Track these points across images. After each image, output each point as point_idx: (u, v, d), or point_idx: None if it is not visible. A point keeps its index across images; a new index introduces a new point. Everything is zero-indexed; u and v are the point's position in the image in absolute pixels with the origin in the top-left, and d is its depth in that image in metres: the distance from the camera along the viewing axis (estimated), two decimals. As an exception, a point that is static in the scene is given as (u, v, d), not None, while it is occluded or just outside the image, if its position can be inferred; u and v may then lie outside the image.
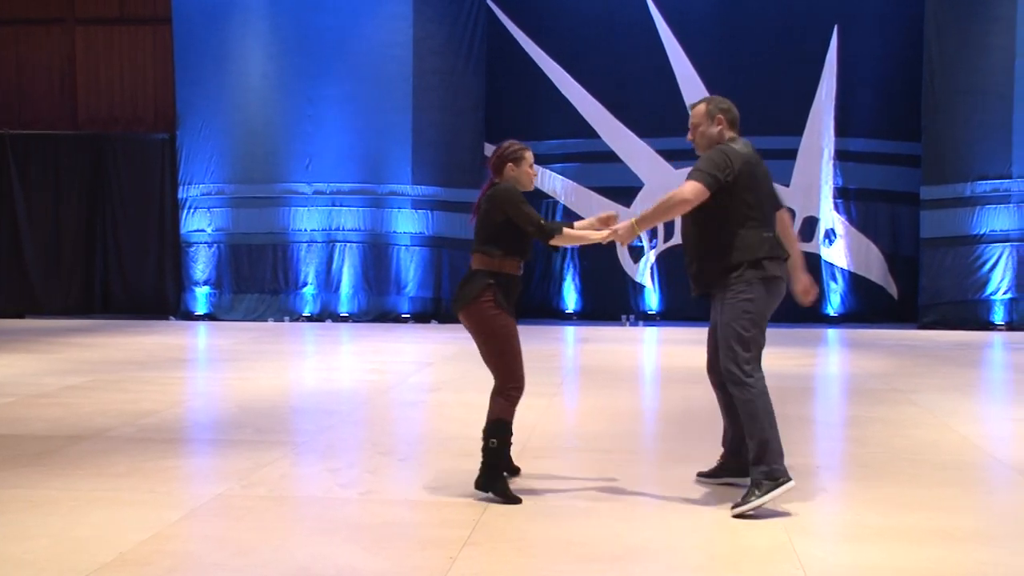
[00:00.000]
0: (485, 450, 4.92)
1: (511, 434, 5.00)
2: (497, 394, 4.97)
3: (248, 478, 5.32)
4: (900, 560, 4.06)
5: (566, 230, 4.96)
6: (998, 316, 13.51)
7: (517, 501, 4.79)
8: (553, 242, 4.92)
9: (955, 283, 13.59)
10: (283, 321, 14.37)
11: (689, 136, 5.14)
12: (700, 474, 5.24)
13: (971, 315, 13.53)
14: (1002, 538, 4.43)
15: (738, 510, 4.57)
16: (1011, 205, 13.44)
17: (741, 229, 4.76)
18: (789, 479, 4.63)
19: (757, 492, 4.58)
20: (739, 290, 4.73)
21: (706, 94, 14.21)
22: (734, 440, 5.06)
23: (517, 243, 4.93)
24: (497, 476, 4.91)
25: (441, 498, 5.00)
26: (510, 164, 5.01)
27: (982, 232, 13.56)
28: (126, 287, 15.37)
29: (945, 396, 8.09)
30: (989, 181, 13.46)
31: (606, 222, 5.07)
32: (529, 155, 5.08)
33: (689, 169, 4.88)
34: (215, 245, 14.69)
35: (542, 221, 4.87)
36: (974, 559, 4.10)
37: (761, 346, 4.81)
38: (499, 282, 4.89)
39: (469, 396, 7.99)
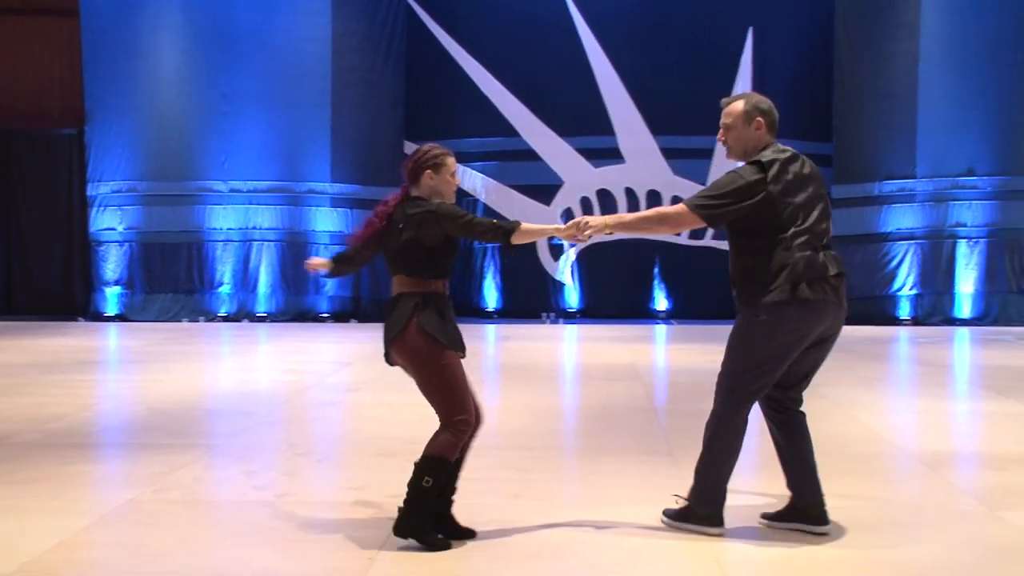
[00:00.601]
0: (412, 488, 4.17)
1: (452, 479, 4.31)
2: (442, 430, 4.28)
3: (160, 482, 5.19)
4: (811, 550, 4.14)
5: (524, 225, 4.45)
6: (904, 311, 13.86)
7: (446, 547, 4.13)
8: (513, 240, 4.38)
9: (864, 280, 13.90)
10: (198, 321, 14.11)
11: (720, 136, 4.61)
12: (764, 516, 4.58)
13: (879, 310, 13.85)
14: (904, 525, 4.54)
15: (666, 519, 4.39)
16: (915, 204, 13.81)
17: (771, 250, 4.20)
18: (721, 527, 4.29)
19: (688, 518, 4.32)
20: (752, 316, 4.24)
21: (625, 93, 14.62)
22: (796, 479, 4.48)
23: (447, 263, 4.44)
24: (423, 521, 4.16)
25: (360, 499, 4.95)
26: (428, 172, 4.44)
27: (889, 230, 13.90)
28: (32, 287, 14.97)
29: (853, 389, 8.25)
30: (895, 181, 13.80)
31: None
32: (451, 161, 4.54)
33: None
34: (126, 244, 14.36)
35: (494, 221, 4.44)
36: (879, 546, 4.19)
37: (762, 385, 4.38)
38: (429, 302, 4.33)
39: (388, 396, 7.94)
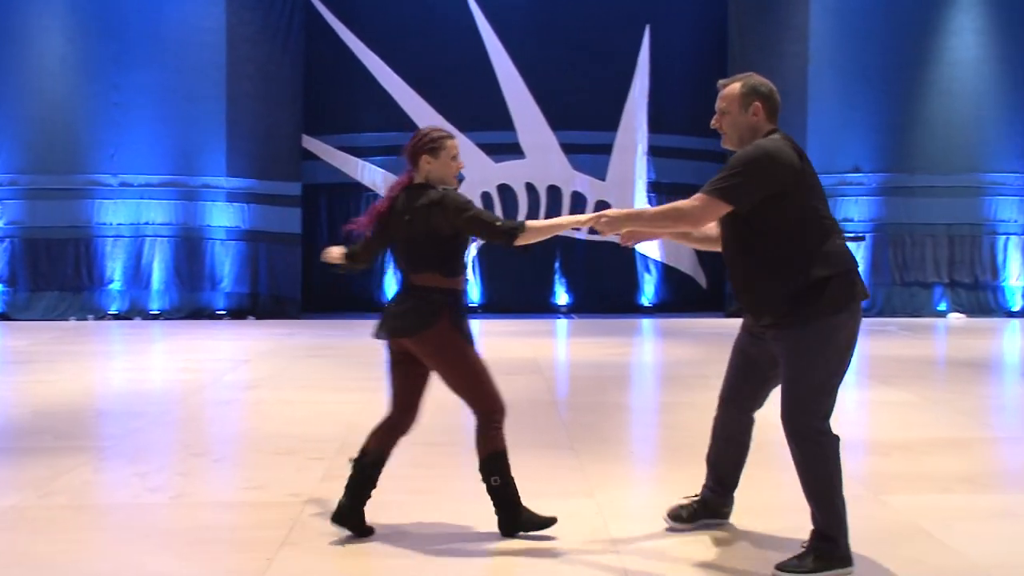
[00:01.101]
0: (492, 492, 4.23)
1: (375, 475, 4.30)
2: (483, 427, 4.28)
3: (46, 487, 5.03)
4: (706, 537, 4.23)
5: (529, 223, 4.21)
6: (796, 304, 14.17)
7: (553, 521, 4.21)
8: (519, 242, 4.15)
9: (758, 273, 14.16)
10: (87, 320, 13.71)
11: (714, 122, 4.25)
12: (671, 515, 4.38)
13: (775, 303, 14.13)
14: (794, 509, 4.63)
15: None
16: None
17: (813, 240, 3.81)
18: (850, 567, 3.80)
19: (831, 561, 3.78)
20: (827, 315, 3.76)
21: (525, 90, 14.67)
22: (728, 475, 4.42)
23: (463, 255, 4.28)
24: (519, 512, 4.22)
25: (258, 498, 4.88)
26: (425, 156, 4.26)
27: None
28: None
29: (750, 382, 8.43)
30: (788, 177, 14.09)
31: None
32: (451, 144, 4.34)
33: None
34: (8, 240, 13.84)
35: (497, 222, 4.17)
36: (772, 530, 4.33)
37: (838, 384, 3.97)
38: (453, 301, 4.20)
39: (287, 394, 7.86)
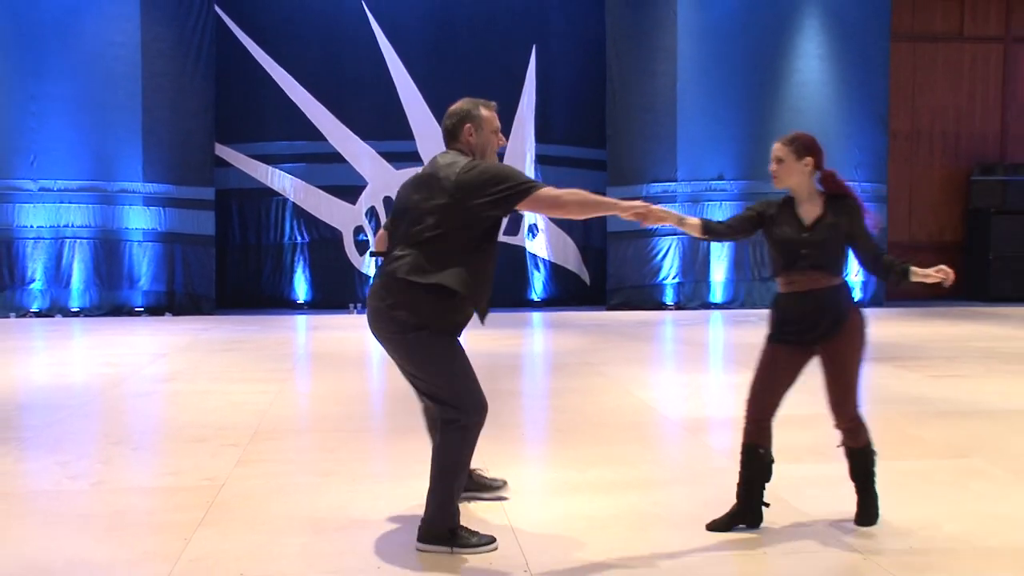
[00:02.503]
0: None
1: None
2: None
3: (-28, 476, 4.84)
4: (592, 508, 4.28)
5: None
6: (669, 298, 14.48)
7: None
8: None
9: (635, 270, 14.43)
10: (9, 317, 13.17)
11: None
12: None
13: (648, 297, 14.41)
14: (668, 482, 4.77)
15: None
16: (677, 204, 14.42)
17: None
18: None
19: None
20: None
21: (422, 101, 14.60)
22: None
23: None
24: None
25: (175, 483, 4.77)
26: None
27: (655, 227, 14.44)
28: None
29: (628, 367, 8.57)
30: (660, 183, 14.38)
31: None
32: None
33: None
34: (-68, 241, 13.25)
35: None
36: (646, 501, 4.39)
37: None
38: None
39: (202, 385, 7.70)
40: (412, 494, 4.51)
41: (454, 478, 3.74)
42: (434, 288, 3.70)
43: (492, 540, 3.76)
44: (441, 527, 3.72)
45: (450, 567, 3.59)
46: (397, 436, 5.84)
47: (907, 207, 15.72)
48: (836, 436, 4.13)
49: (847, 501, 4.15)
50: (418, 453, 5.29)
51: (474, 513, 4.19)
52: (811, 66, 14.47)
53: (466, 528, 3.79)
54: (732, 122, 14.33)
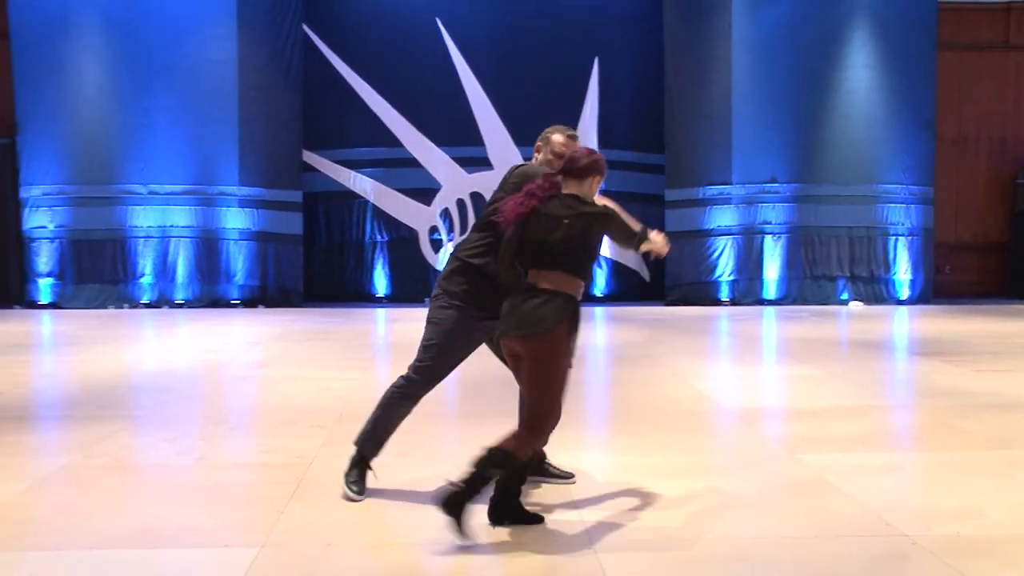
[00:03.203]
0: (478, 479, 3.64)
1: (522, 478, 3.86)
2: (523, 433, 3.74)
3: (90, 449, 5.00)
4: (653, 490, 4.25)
5: (650, 233, 3.83)
6: (724, 294, 14.30)
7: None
8: (642, 248, 3.82)
9: (692, 268, 14.28)
10: (123, 308, 13.58)
11: None
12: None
13: (704, 294, 14.25)
14: (723, 468, 4.72)
15: None
16: (732, 205, 14.26)
17: None
18: None
19: None
20: None
21: (492, 109, 14.66)
22: None
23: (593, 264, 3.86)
24: (468, 503, 3.60)
25: (269, 460, 4.87)
26: (597, 177, 3.88)
27: (711, 227, 14.31)
28: (-29, 279, 14.15)
29: (686, 359, 8.49)
30: (715, 187, 14.21)
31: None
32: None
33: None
34: (57, 240, 13.70)
35: (636, 230, 3.78)
36: (704, 486, 4.35)
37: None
38: (579, 307, 3.72)
39: (291, 371, 7.83)
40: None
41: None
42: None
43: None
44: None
45: (521, 543, 3.61)
46: (468, 421, 5.88)
47: (953, 209, 15.29)
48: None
49: (895, 488, 4.07)
50: (486, 438, 5.32)
51: (542, 495, 4.20)
52: (860, 75, 14.16)
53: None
54: (784, 128, 14.10)
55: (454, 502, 3.54)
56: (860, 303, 14.18)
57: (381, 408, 4.22)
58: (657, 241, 3.83)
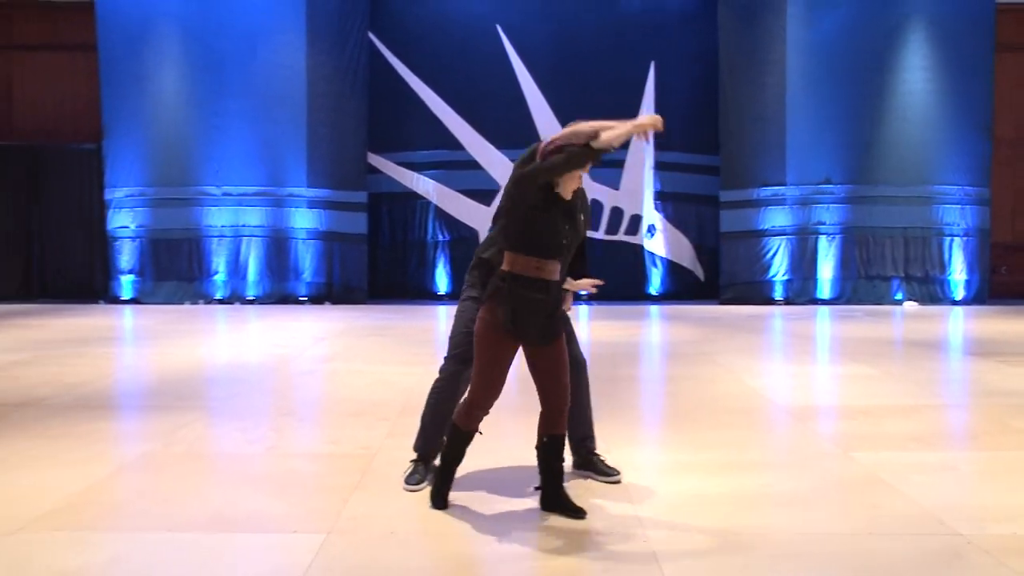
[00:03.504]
0: (553, 469, 3.81)
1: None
2: (560, 410, 3.80)
3: (169, 438, 5.12)
4: (704, 486, 4.22)
5: (595, 144, 3.62)
6: (778, 293, 14.10)
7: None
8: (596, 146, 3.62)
9: (746, 267, 14.11)
10: (198, 304, 13.89)
11: None
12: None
13: (758, 293, 14.07)
14: (776, 465, 4.65)
15: None
16: (786, 206, 14.04)
17: None
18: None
19: None
20: None
21: (550, 112, 14.65)
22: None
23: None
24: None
25: (335, 451, 4.93)
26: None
27: (765, 227, 14.12)
28: (61, 276, 14.63)
29: (739, 357, 8.39)
30: (770, 188, 14.01)
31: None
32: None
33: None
34: (138, 239, 14.08)
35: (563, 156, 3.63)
36: (756, 482, 4.30)
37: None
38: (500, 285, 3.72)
39: (356, 365, 7.91)
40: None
41: None
42: None
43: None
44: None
45: (577, 537, 3.60)
46: (525, 415, 5.86)
47: (1010, 210, 14.85)
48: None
49: (951, 486, 3.97)
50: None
51: (595, 490, 4.19)
52: (916, 76, 13.83)
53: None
54: (839, 129, 13.85)
55: (551, 504, 3.77)
56: (915, 303, 13.85)
57: (428, 410, 4.27)
58: (617, 135, 3.67)
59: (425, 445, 4.25)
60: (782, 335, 10.71)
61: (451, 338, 4.28)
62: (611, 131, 3.69)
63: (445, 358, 4.28)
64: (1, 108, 14.96)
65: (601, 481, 4.29)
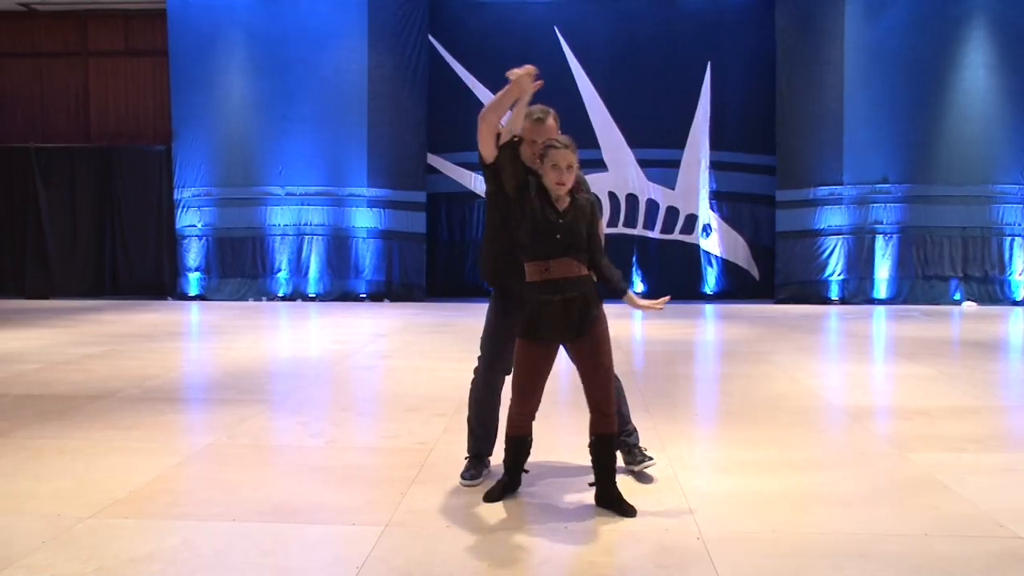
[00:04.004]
0: (605, 464, 3.83)
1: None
2: (606, 412, 3.84)
3: (233, 430, 5.23)
4: (759, 485, 4.16)
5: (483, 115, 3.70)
6: (834, 293, 13.85)
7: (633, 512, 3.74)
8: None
9: (802, 267, 13.89)
10: (261, 300, 14.14)
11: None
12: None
13: (814, 292, 13.84)
14: (832, 464, 4.57)
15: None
16: (842, 205, 13.78)
17: None
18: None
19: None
20: None
21: (607, 113, 14.59)
22: None
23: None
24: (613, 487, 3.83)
25: (393, 445, 4.97)
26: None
27: (822, 227, 13.87)
28: (131, 273, 15.04)
29: (794, 356, 8.26)
30: (826, 187, 13.76)
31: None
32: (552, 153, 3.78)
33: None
34: (204, 238, 14.41)
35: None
36: (811, 481, 4.23)
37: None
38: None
39: (414, 362, 7.97)
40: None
41: None
42: None
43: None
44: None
45: (631, 533, 3.58)
46: (581, 411, 5.85)
47: (1075, 209, 14.36)
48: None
49: (1010, 489, 3.86)
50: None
51: (649, 487, 4.16)
52: (976, 74, 13.45)
53: None
54: (897, 129, 13.54)
55: (603, 500, 3.78)
56: (973, 303, 13.49)
57: (471, 411, 4.32)
58: (495, 100, 3.88)
59: (476, 444, 4.29)
60: (838, 335, 10.51)
61: (481, 337, 4.42)
62: (491, 100, 3.90)
63: (479, 356, 4.40)
64: (78, 112, 15.42)
65: (635, 470, 4.28)
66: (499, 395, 4.28)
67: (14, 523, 3.63)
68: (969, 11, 13.43)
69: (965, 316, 12.15)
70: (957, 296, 13.66)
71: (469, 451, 4.30)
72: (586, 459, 4.02)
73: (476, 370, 4.33)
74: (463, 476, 4.19)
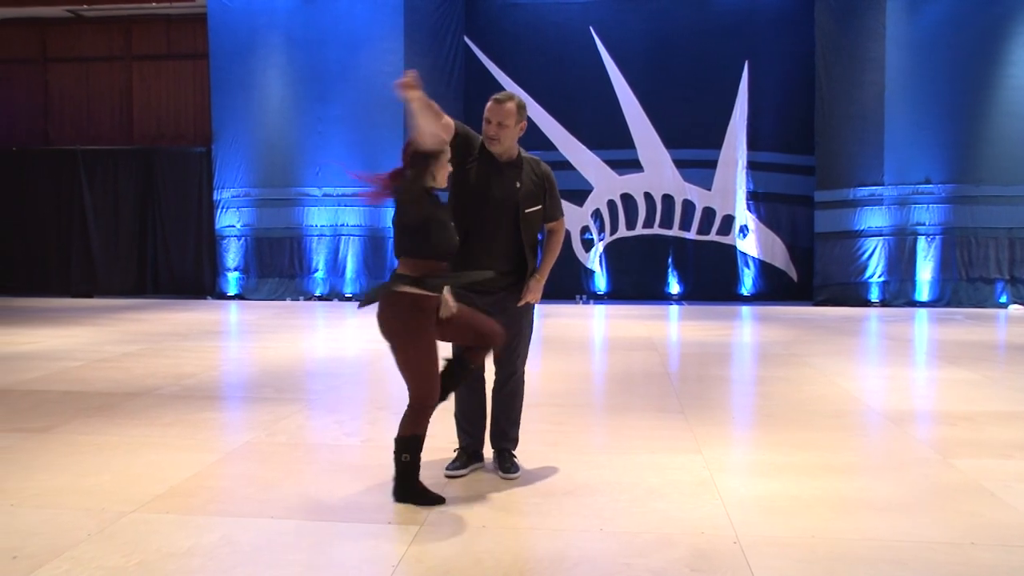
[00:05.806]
0: (400, 465, 3.94)
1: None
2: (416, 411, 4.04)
3: (271, 428, 5.28)
4: (796, 489, 4.11)
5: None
6: (874, 295, 13.66)
7: (440, 500, 3.88)
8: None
9: (841, 269, 13.72)
10: (299, 300, 14.27)
11: (492, 131, 4.27)
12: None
13: (853, 294, 13.66)
14: (872, 469, 4.49)
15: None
16: (883, 206, 13.58)
17: None
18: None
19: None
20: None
21: (643, 114, 14.54)
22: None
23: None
24: (414, 485, 3.94)
25: (428, 445, 4.93)
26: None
27: (862, 228, 13.68)
28: (172, 272, 15.28)
29: (833, 359, 8.16)
30: (867, 187, 13.58)
31: None
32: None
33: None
34: (243, 238, 14.58)
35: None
36: (851, 486, 4.16)
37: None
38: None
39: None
40: (627, 465, 4.50)
41: None
42: None
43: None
44: None
45: (666, 535, 3.56)
46: (615, 413, 5.84)
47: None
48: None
49: (1058, 498, 3.76)
50: (634, 429, 5.28)
51: (685, 490, 4.13)
52: (1022, 71, 13.18)
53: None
54: (939, 128, 13.32)
55: (403, 495, 3.88)
56: (1020, 306, 13.21)
57: (455, 405, 4.58)
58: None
59: (463, 437, 4.52)
60: (878, 337, 10.36)
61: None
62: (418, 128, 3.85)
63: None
64: (122, 115, 15.71)
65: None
66: (483, 390, 4.49)
67: (59, 516, 3.69)
68: (1013, 7, 13.17)
69: (1011, 320, 11.91)
70: (1003, 299, 13.40)
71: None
72: (624, 462, 3.99)
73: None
74: (447, 468, 4.36)
